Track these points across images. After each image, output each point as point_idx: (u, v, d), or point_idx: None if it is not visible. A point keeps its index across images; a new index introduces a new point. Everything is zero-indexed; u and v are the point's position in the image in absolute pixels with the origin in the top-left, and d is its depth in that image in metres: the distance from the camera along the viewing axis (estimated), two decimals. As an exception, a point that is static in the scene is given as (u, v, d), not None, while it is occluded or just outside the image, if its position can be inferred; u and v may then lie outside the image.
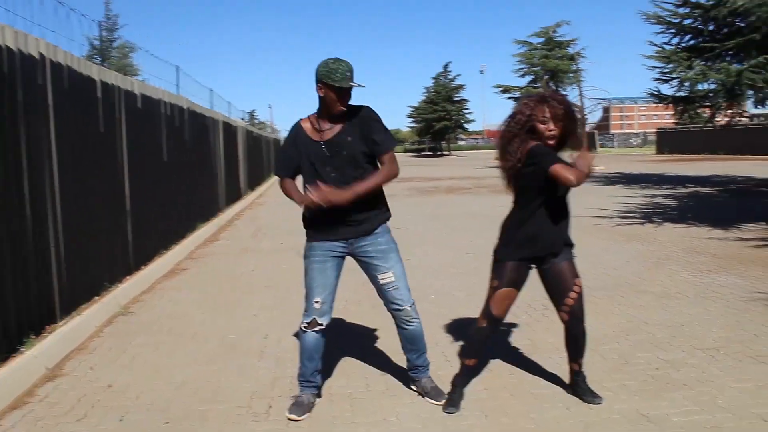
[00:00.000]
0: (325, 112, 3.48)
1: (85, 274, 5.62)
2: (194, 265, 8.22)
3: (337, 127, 3.47)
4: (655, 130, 60.50)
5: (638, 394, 3.68)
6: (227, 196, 14.42)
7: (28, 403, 3.77)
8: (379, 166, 3.52)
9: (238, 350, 4.69)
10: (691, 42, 18.42)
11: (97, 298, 5.77)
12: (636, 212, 12.44)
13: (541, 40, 34.27)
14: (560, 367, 4.10)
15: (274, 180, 28.85)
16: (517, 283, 3.48)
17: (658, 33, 18.97)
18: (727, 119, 19.64)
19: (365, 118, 3.50)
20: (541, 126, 3.34)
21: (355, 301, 6.03)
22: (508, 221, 3.53)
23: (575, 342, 3.60)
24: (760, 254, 7.77)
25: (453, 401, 3.54)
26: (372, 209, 3.53)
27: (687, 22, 18.27)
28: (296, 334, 4.94)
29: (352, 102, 3.49)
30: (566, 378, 3.90)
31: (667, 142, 50.76)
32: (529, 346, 4.53)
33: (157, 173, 8.30)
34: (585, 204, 13.54)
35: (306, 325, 3.56)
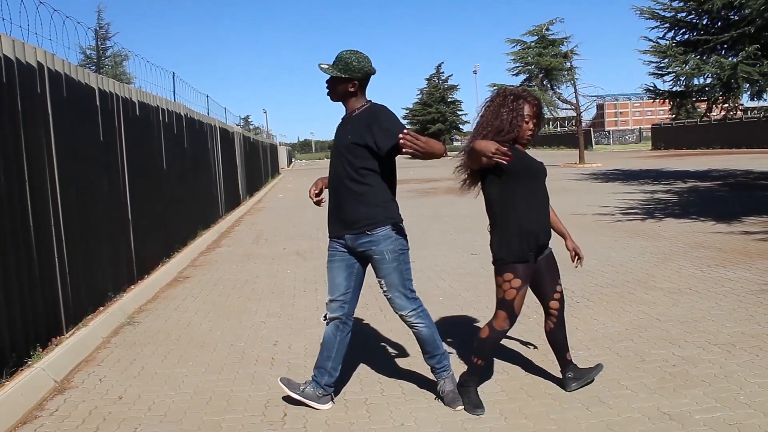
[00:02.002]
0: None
1: (90, 284, 5.56)
2: (197, 272, 8.16)
3: (351, 117, 3.54)
4: (649, 126, 60.61)
5: (657, 391, 3.63)
6: (227, 202, 14.36)
7: (38, 417, 3.70)
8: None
9: (248, 358, 4.62)
10: (686, 36, 18.43)
11: (102, 308, 5.71)
12: (637, 208, 12.40)
13: (535, 38, 34.18)
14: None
15: (273, 185, 28.74)
16: (526, 279, 3.50)
17: (653, 28, 18.99)
18: (723, 113, 19.63)
19: (370, 111, 3.50)
20: (525, 125, 3.44)
21: (362, 304, 5.94)
22: (503, 222, 3.49)
23: (556, 339, 3.71)
24: (765, 247, 7.73)
25: (476, 402, 3.51)
26: (360, 209, 3.47)
27: (681, 15, 18.28)
28: (306, 341, 4.92)
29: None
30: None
31: (662, 137, 50.82)
32: (542, 345, 4.46)
33: (157, 181, 8.25)
34: (586, 201, 13.52)
35: (324, 317, 3.66)
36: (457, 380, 3.63)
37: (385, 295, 3.57)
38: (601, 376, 3.89)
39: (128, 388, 4.09)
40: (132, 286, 6.65)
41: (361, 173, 3.43)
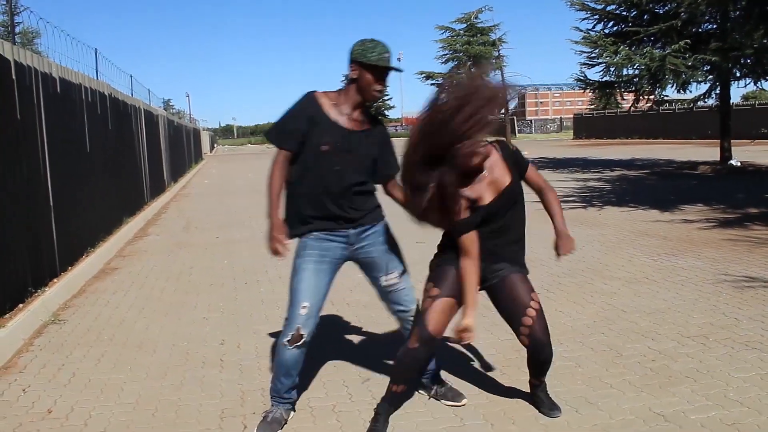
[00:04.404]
0: (354, 97, 3.06)
1: (5, 278, 4.95)
2: (126, 263, 7.55)
3: (362, 120, 3.09)
4: (570, 116, 62.15)
5: (644, 389, 3.43)
6: (152, 188, 13.60)
7: (-49, 437, 3.18)
8: (390, 189, 3.21)
9: (193, 360, 4.17)
10: (615, 28, 18.75)
11: (21, 305, 5.10)
12: (574, 196, 12.44)
13: (463, 26, 34.33)
14: (555, 364, 3.81)
15: (197, 170, 27.70)
16: (459, 295, 2.96)
17: (583, 19, 19.25)
18: (649, 104, 20.13)
19: (386, 132, 3.23)
20: None
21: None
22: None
23: (541, 366, 3.12)
24: (708, 236, 7.79)
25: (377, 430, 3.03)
26: (367, 205, 3.17)
27: (610, 8, 18.56)
28: (256, 339, 4.50)
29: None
30: (567, 376, 3.65)
31: (583, 127, 52.15)
32: (514, 341, 4.19)
33: (80, 165, 7.57)
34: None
35: (288, 340, 3.07)
36: (374, 408, 3.16)
37: (394, 290, 3.20)
38: (583, 374, 3.69)
39: (58, 399, 3.57)
40: (55, 280, 6.02)
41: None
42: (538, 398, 3.25)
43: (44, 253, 5.93)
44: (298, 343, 3.06)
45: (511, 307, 3.01)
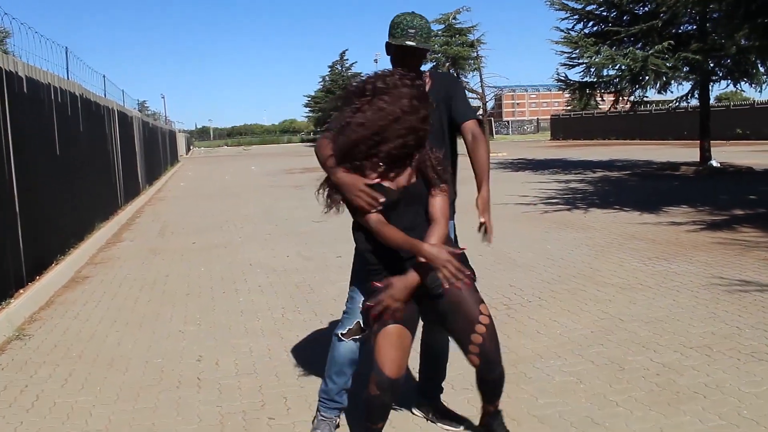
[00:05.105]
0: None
1: (-32, 291, 4.63)
2: (98, 271, 7.22)
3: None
4: (547, 117, 62.40)
5: (652, 407, 3.22)
6: (126, 192, 13.22)
7: None
8: (465, 137, 2.97)
9: (168, 379, 3.89)
10: (595, 28, 18.69)
11: (-17, 319, 4.78)
12: (558, 198, 12.29)
13: (442, 26, 34.14)
14: (551, 378, 3.62)
15: (173, 173, 27.21)
16: (408, 321, 2.56)
17: (563, 19, 19.17)
18: (629, 105, 20.11)
19: (449, 79, 3.15)
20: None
21: (292, 308, 5.35)
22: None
23: (492, 387, 2.75)
24: (697, 239, 7.65)
25: None
26: None
27: (590, 8, 18.50)
28: (235, 355, 4.24)
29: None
30: (569, 393, 3.43)
31: (560, 128, 52.35)
32: (509, 355, 3.98)
33: (49, 168, 7.23)
34: (503, 191, 13.31)
35: (344, 332, 2.88)
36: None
37: None
38: (586, 391, 3.47)
39: (19, 426, 3.27)
40: (21, 290, 5.69)
41: None
42: (493, 430, 2.83)
43: (9, 261, 5.60)
44: (357, 336, 2.86)
45: (457, 325, 2.61)
